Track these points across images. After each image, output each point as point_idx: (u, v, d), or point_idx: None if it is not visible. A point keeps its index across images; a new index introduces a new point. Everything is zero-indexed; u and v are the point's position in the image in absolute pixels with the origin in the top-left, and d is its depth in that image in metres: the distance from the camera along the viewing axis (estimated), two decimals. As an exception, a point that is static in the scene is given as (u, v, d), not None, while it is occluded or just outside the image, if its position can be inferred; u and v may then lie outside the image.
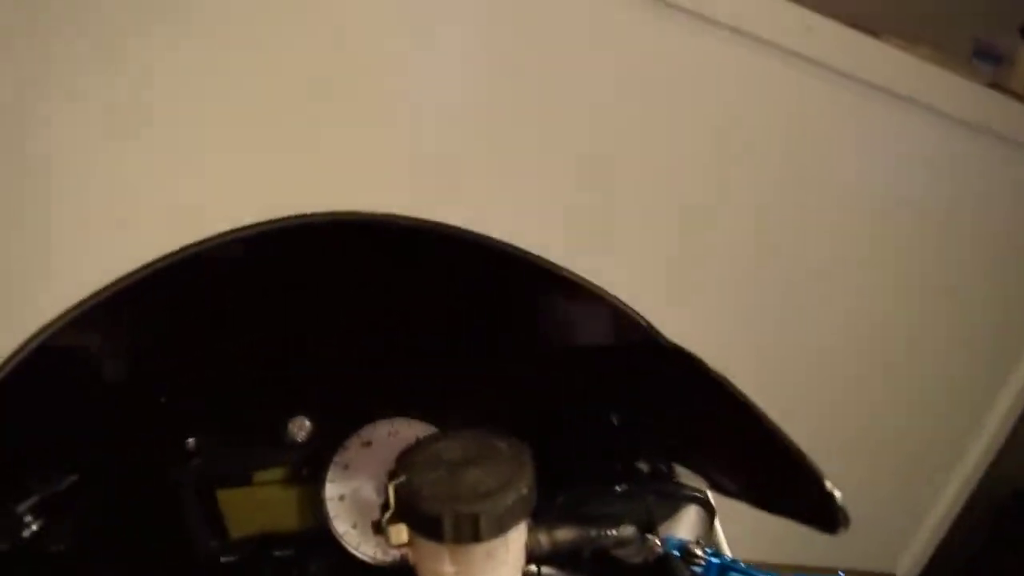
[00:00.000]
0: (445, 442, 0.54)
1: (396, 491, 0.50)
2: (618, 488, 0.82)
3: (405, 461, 0.53)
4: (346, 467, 0.73)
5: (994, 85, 2.02)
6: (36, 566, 0.73)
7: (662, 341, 0.51)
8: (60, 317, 0.48)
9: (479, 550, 0.50)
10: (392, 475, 0.51)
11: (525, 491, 0.49)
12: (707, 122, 1.90)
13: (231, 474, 0.73)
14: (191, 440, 0.73)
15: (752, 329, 2.22)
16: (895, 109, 1.96)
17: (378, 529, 0.53)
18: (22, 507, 0.55)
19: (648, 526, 0.85)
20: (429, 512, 0.48)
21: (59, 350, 0.52)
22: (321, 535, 0.73)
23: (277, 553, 0.73)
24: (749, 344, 2.21)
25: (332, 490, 0.73)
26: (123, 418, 0.66)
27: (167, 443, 0.72)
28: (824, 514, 0.49)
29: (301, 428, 0.73)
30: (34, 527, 0.57)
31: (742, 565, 0.75)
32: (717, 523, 0.93)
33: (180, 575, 0.79)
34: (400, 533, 0.52)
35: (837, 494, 0.48)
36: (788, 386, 2.25)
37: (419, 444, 0.54)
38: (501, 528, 0.49)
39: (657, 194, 1.94)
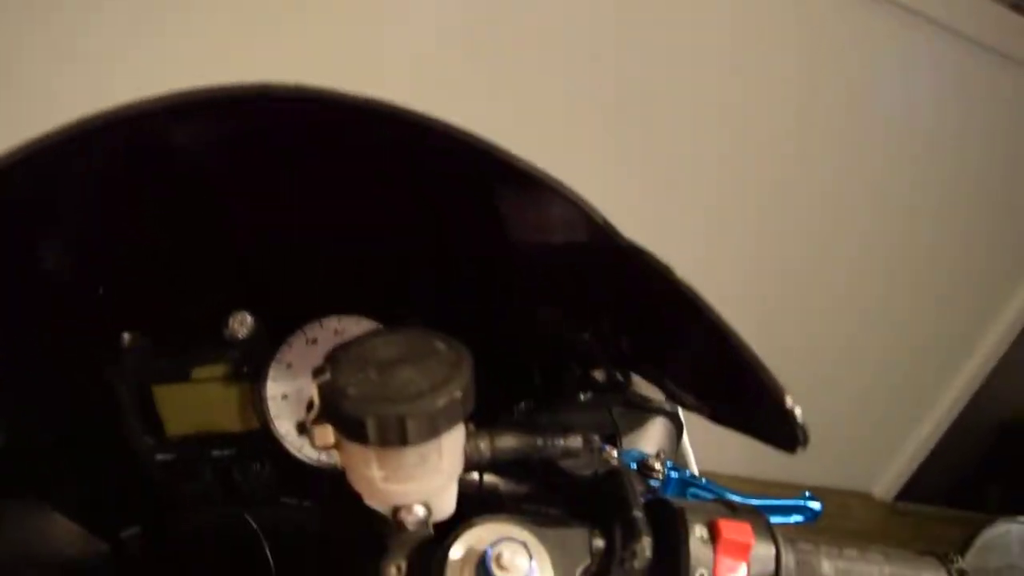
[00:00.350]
0: (379, 339, 0.50)
1: (320, 389, 0.46)
2: (582, 396, 0.79)
3: (334, 357, 0.48)
4: (289, 366, 0.70)
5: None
6: None
7: (620, 240, 0.46)
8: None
9: (409, 454, 0.46)
10: (317, 372, 0.47)
11: (459, 394, 0.45)
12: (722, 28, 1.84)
13: (167, 370, 0.69)
14: (126, 335, 0.69)
15: (745, 242, 2.18)
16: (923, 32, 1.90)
17: (303, 430, 0.49)
18: None
19: (611, 438, 0.82)
20: (353, 413, 0.44)
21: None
22: (262, 435, 0.70)
23: (216, 453, 0.70)
24: (737, 257, 2.18)
25: (274, 389, 0.70)
26: (55, 308, 0.61)
27: (101, 337, 0.68)
28: (783, 432, 0.46)
29: (242, 324, 0.69)
30: None
31: (703, 481, 0.72)
32: (685, 438, 0.90)
33: (116, 472, 0.77)
34: (326, 434, 0.48)
35: (797, 411, 0.44)
36: (775, 297, 2.22)
37: (352, 341, 0.50)
38: (431, 432, 0.45)
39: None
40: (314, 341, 0.70)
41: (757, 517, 0.55)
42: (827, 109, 2.02)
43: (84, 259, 0.60)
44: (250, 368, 0.69)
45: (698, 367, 0.51)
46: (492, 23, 1.72)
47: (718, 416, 0.50)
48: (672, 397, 0.53)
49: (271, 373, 0.69)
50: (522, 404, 0.78)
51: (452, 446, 0.49)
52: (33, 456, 0.76)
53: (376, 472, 0.47)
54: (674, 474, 0.70)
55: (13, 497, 0.74)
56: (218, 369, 0.70)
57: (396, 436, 0.44)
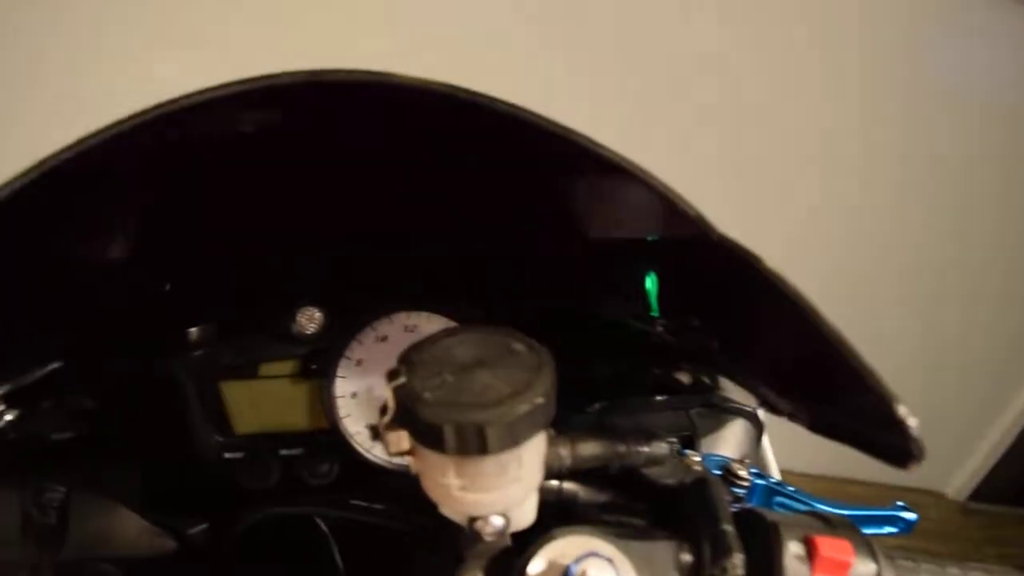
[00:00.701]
0: (456, 339, 0.47)
1: (395, 393, 0.44)
2: (659, 398, 0.75)
3: (408, 359, 0.46)
4: (359, 363, 0.68)
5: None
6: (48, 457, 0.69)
7: (713, 234, 0.43)
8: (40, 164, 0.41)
9: (488, 463, 0.44)
10: (392, 375, 0.45)
11: (541, 400, 0.42)
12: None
13: (235, 366, 0.68)
14: (193, 330, 0.68)
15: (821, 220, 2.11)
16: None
17: (377, 434, 0.46)
18: None
19: (689, 440, 0.79)
20: (430, 420, 0.41)
21: (47, 211, 0.46)
22: (331, 435, 0.69)
23: (284, 452, 0.69)
24: (813, 239, 2.11)
25: (343, 387, 0.68)
26: (120, 301, 0.60)
27: (168, 333, 0.67)
28: (893, 445, 0.42)
29: (311, 319, 0.67)
30: (8, 416, 0.52)
31: (790, 488, 0.68)
32: (766, 440, 0.86)
33: (184, 470, 0.76)
34: (400, 440, 0.46)
35: (911, 422, 0.40)
36: (848, 295, 2.15)
37: (426, 341, 0.47)
38: (512, 441, 0.42)
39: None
40: (384, 338, 0.68)
41: (855, 533, 0.51)
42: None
43: (151, 252, 0.59)
44: (319, 365, 0.68)
45: (796, 371, 0.47)
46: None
47: (817, 425, 0.46)
48: (766, 403, 0.49)
49: (340, 371, 0.67)
50: (596, 405, 0.76)
51: (533, 454, 0.46)
52: (103, 451, 0.76)
53: (453, 481, 0.45)
54: (760, 481, 0.67)
55: (82, 492, 0.73)
56: (286, 366, 0.68)
57: (475, 445, 0.41)
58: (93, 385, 0.61)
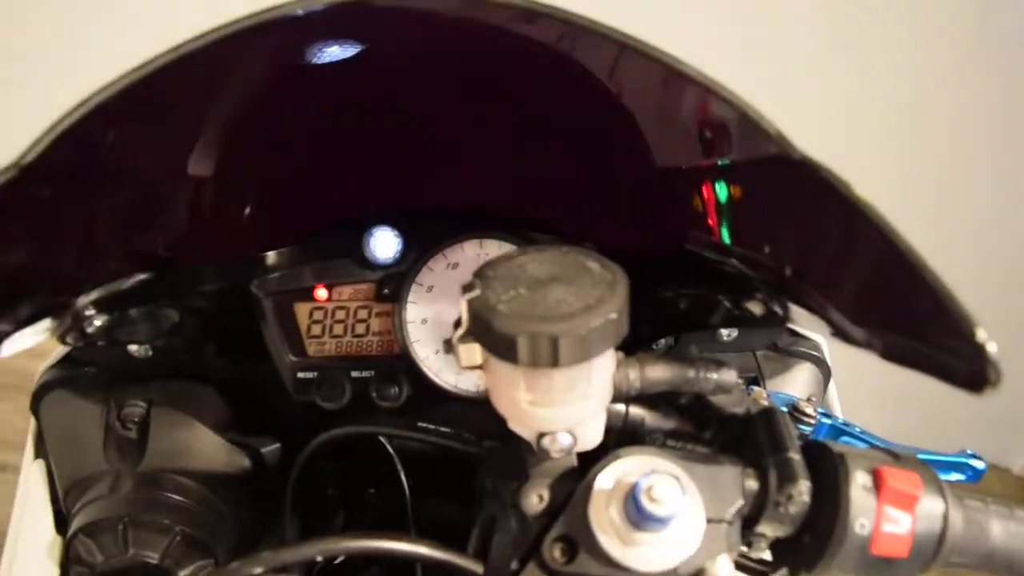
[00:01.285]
0: (530, 257, 0.48)
1: (469, 305, 0.44)
2: (725, 335, 0.75)
3: (483, 274, 0.46)
4: (430, 289, 0.69)
5: None
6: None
7: (794, 153, 0.43)
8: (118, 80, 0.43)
9: (558, 377, 0.44)
10: (467, 288, 0.45)
11: (614, 315, 0.42)
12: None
13: (310, 289, 0.69)
14: (271, 253, 0.69)
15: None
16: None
17: (449, 348, 0.47)
18: (83, 300, 0.52)
19: (754, 383, 0.78)
20: (503, 331, 0.42)
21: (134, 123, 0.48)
22: (401, 359, 0.70)
23: (356, 374, 0.70)
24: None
25: (413, 312, 0.69)
26: (205, 222, 0.62)
27: (247, 255, 0.69)
28: (970, 370, 0.41)
29: (385, 243, 0.68)
30: (98, 322, 0.54)
31: (857, 429, 0.68)
32: (832, 387, 0.85)
33: (260, 391, 0.78)
34: (472, 353, 0.47)
35: (991, 347, 0.39)
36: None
37: (501, 258, 0.48)
38: (583, 354, 0.42)
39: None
40: (455, 265, 0.69)
41: (924, 468, 0.51)
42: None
43: (234, 168, 0.60)
44: (391, 290, 0.69)
45: (872, 296, 0.46)
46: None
47: (890, 352, 0.46)
48: (839, 332, 0.48)
49: (411, 296, 0.69)
50: (662, 341, 0.76)
51: (602, 372, 0.47)
52: (181, 370, 0.78)
53: (523, 395, 0.45)
54: (826, 420, 0.66)
55: (162, 408, 0.76)
56: (359, 290, 0.69)
57: (547, 357, 0.42)
58: (180, 299, 0.63)
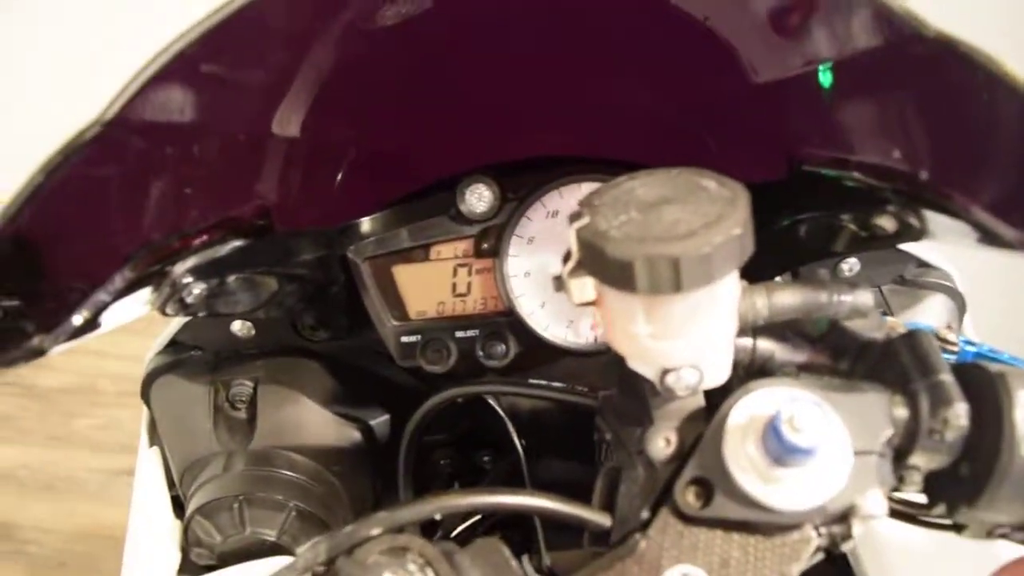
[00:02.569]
0: (638, 181, 0.44)
1: (579, 235, 0.41)
2: (846, 269, 0.70)
3: (590, 202, 0.43)
4: (530, 240, 0.66)
5: None
6: None
7: (924, 30, 0.38)
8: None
9: (680, 305, 0.41)
10: (574, 217, 0.42)
11: (738, 231, 0.39)
12: None
13: (407, 250, 0.67)
14: (366, 219, 0.68)
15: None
16: None
17: (560, 284, 0.44)
18: (179, 269, 0.51)
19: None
20: (618, 256, 0.39)
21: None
22: (506, 316, 0.67)
23: (460, 334, 0.68)
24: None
25: (515, 266, 0.66)
26: (295, 180, 0.60)
27: (341, 221, 0.67)
28: None
29: (480, 197, 0.65)
30: (196, 290, 0.53)
31: (1006, 356, 0.62)
32: (967, 321, 0.79)
33: (365, 363, 0.77)
34: (584, 287, 0.43)
35: None
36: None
37: (607, 185, 0.45)
38: (707, 276, 0.39)
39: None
40: (555, 213, 0.66)
41: (1094, 384, 0.46)
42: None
43: (319, 135, 0.58)
44: (490, 245, 0.66)
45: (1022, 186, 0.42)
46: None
47: None
48: (986, 236, 0.43)
49: (512, 249, 0.66)
50: (777, 279, 0.71)
51: (727, 296, 0.43)
52: (284, 346, 0.78)
53: (642, 327, 0.42)
54: (970, 348, 0.61)
55: (269, 385, 0.76)
56: (458, 247, 0.67)
57: (667, 281, 0.38)
58: (277, 267, 0.61)
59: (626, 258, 0.38)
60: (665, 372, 0.45)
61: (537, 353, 0.68)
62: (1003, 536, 0.49)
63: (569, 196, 0.65)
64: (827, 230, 0.59)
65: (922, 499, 0.50)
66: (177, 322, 0.77)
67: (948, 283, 0.74)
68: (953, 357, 0.60)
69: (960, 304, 0.75)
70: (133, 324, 0.52)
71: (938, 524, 0.54)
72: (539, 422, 0.73)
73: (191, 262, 0.52)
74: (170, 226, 0.49)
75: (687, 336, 0.42)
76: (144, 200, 0.47)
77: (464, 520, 0.81)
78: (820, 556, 0.45)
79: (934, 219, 0.48)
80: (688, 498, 0.44)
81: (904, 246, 0.73)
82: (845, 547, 0.44)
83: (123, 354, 2.20)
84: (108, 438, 2.24)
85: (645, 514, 0.45)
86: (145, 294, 0.50)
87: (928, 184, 0.45)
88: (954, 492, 0.47)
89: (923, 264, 0.75)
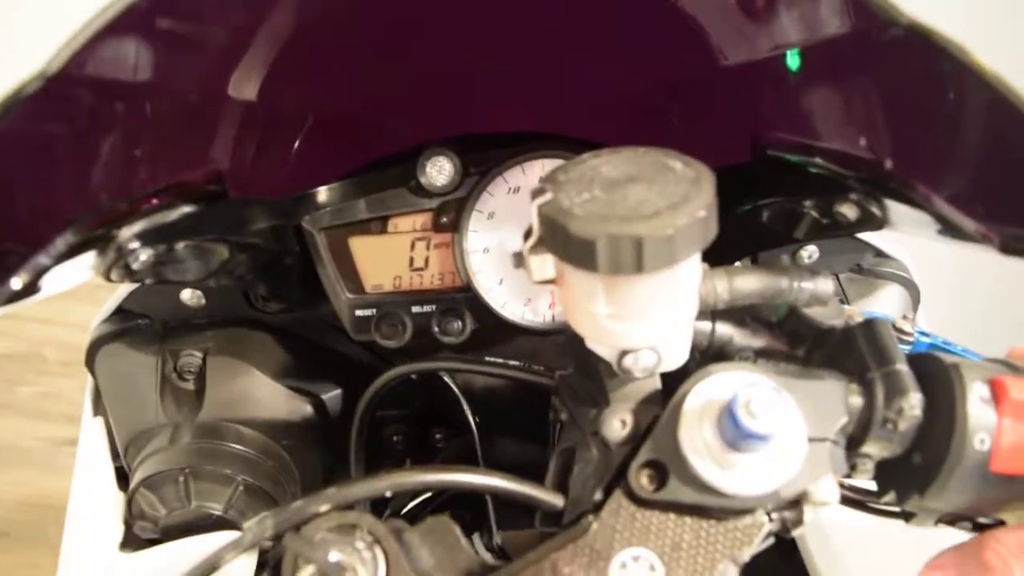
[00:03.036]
0: (603, 159, 0.43)
1: (541, 212, 0.40)
2: (805, 256, 0.70)
3: (553, 178, 0.42)
4: (491, 216, 0.65)
5: None
6: None
7: (899, 17, 0.38)
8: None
9: (641, 286, 0.40)
10: (536, 193, 0.41)
11: (703, 212, 0.38)
12: None
13: (364, 222, 0.66)
14: (323, 188, 0.66)
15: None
16: None
17: (519, 261, 0.43)
18: (125, 233, 0.49)
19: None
20: (580, 234, 0.38)
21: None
22: (464, 292, 0.66)
23: (416, 309, 0.67)
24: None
25: (475, 242, 0.65)
26: (249, 146, 0.58)
27: (296, 190, 0.66)
28: None
29: (441, 170, 0.64)
30: (143, 256, 0.51)
31: (959, 348, 0.62)
32: (920, 312, 0.80)
33: (319, 331, 0.75)
34: (544, 265, 0.43)
35: None
36: None
37: (571, 161, 0.44)
38: (669, 258, 0.38)
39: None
40: (517, 189, 0.65)
41: (1047, 379, 0.46)
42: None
43: (276, 99, 0.57)
44: (449, 219, 0.65)
45: (989, 180, 0.41)
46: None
47: (1012, 244, 0.41)
48: (946, 227, 0.44)
49: (472, 225, 0.65)
50: (736, 264, 0.71)
51: (689, 279, 0.42)
52: (235, 317, 0.76)
53: (602, 308, 0.41)
54: (925, 339, 0.61)
55: (219, 357, 0.74)
56: (416, 220, 0.66)
57: (630, 261, 0.38)
58: (229, 235, 0.60)
59: (588, 237, 0.38)
60: (623, 353, 0.44)
61: (494, 331, 0.67)
62: (950, 524, 0.49)
63: (531, 172, 0.64)
64: (789, 216, 0.59)
65: (871, 486, 0.51)
66: (124, 289, 0.74)
67: (904, 274, 0.75)
68: (908, 347, 0.60)
69: (915, 295, 0.76)
70: (79, 291, 0.50)
71: (886, 511, 0.54)
72: (494, 401, 0.72)
73: (138, 227, 0.50)
74: (117, 189, 0.47)
75: (647, 318, 0.42)
76: (90, 160, 0.45)
77: (414, 498, 0.81)
78: (771, 541, 0.45)
79: (896, 208, 0.48)
80: (642, 481, 0.43)
81: (862, 235, 0.73)
82: (795, 532, 0.44)
83: (69, 321, 2.15)
84: (53, 407, 2.20)
85: (598, 496, 0.44)
86: (89, 259, 0.49)
87: (891, 173, 0.44)
88: (905, 481, 0.47)
89: (880, 254, 0.75)
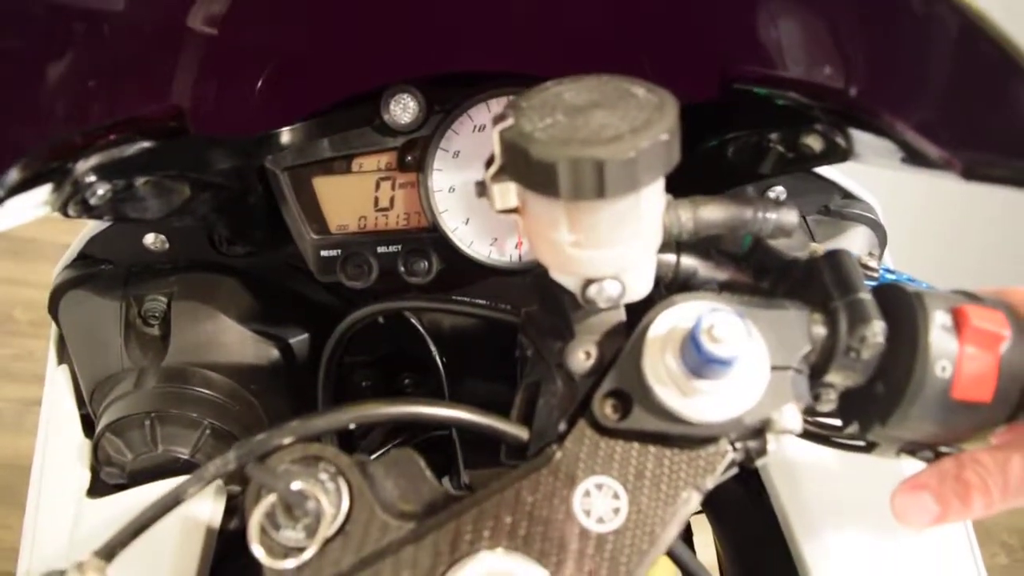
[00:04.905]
0: (566, 86, 0.43)
1: (502, 137, 0.40)
2: (772, 196, 0.70)
3: (516, 104, 0.42)
4: (456, 155, 0.64)
5: None
6: None
7: None
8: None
9: (604, 211, 0.40)
10: (498, 119, 0.41)
11: (665, 137, 0.37)
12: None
13: (328, 161, 0.65)
14: (286, 129, 0.65)
15: None
16: None
17: (482, 190, 0.43)
18: (82, 166, 0.48)
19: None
20: (542, 158, 0.37)
21: None
22: (429, 231, 0.66)
23: (381, 249, 0.66)
24: None
25: (440, 180, 0.64)
26: (211, 82, 0.57)
27: (259, 130, 0.64)
28: None
29: (405, 108, 0.63)
30: (100, 191, 0.50)
31: (925, 284, 0.63)
32: (888, 255, 0.80)
33: (284, 274, 0.75)
34: (507, 193, 0.42)
35: None
36: None
37: (534, 88, 0.43)
38: (631, 182, 0.38)
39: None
40: (482, 128, 0.64)
41: (1007, 307, 0.47)
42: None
43: (238, 35, 0.55)
44: (414, 157, 0.64)
45: (953, 106, 0.41)
46: None
47: (972, 170, 0.41)
48: (910, 155, 0.43)
49: (437, 163, 0.64)
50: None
51: (652, 206, 0.42)
52: (199, 262, 0.75)
53: (565, 235, 0.41)
54: (890, 276, 0.61)
55: (184, 301, 0.73)
56: (381, 159, 0.65)
57: (592, 185, 0.37)
58: (189, 171, 0.58)
59: (549, 160, 0.37)
60: (587, 283, 0.44)
61: (460, 271, 0.66)
62: (910, 454, 0.50)
63: (497, 110, 0.63)
64: (754, 150, 0.58)
65: (834, 422, 0.51)
66: (86, 233, 0.73)
67: (871, 215, 0.75)
68: (873, 284, 0.61)
69: (882, 236, 0.76)
70: (49, 251, 0.50)
71: (849, 445, 0.54)
72: (461, 341, 0.72)
73: (95, 160, 0.49)
74: (72, 119, 0.46)
75: (610, 245, 0.42)
76: (44, 87, 0.44)
77: (383, 443, 0.81)
78: (734, 471, 0.45)
79: (861, 138, 0.48)
80: (606, 410, 0.43)
81: (830, 176, 0.73)
82: (758, 462, 0.45)
83: (39, 282, 2.12)
84: (22, 368, 2.18)
85: (562, 427, 0.44)
86: (44, 193, 0.48)
87: (857, 101, 0.44)
88: (867, 410, 0.47)
89: (848, 195, 0.75)
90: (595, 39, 0.62)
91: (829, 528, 0.62)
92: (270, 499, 0.42)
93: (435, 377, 0.72)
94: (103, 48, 0.46)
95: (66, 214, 0.51)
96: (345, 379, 0.80)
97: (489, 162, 0.42)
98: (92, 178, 0.49)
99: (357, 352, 0.79)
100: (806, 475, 0.63)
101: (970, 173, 0.41)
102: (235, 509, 0.67)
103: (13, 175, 0.43)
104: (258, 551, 0.41)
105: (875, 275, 0.60)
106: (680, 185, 0.40)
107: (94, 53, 0.46)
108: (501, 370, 0.68)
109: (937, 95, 0.42)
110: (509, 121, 0.40)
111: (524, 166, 0.39)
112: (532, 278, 0.54)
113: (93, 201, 0.51)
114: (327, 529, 0.41)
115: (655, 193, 0.42)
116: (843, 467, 0.63)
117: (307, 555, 0.41)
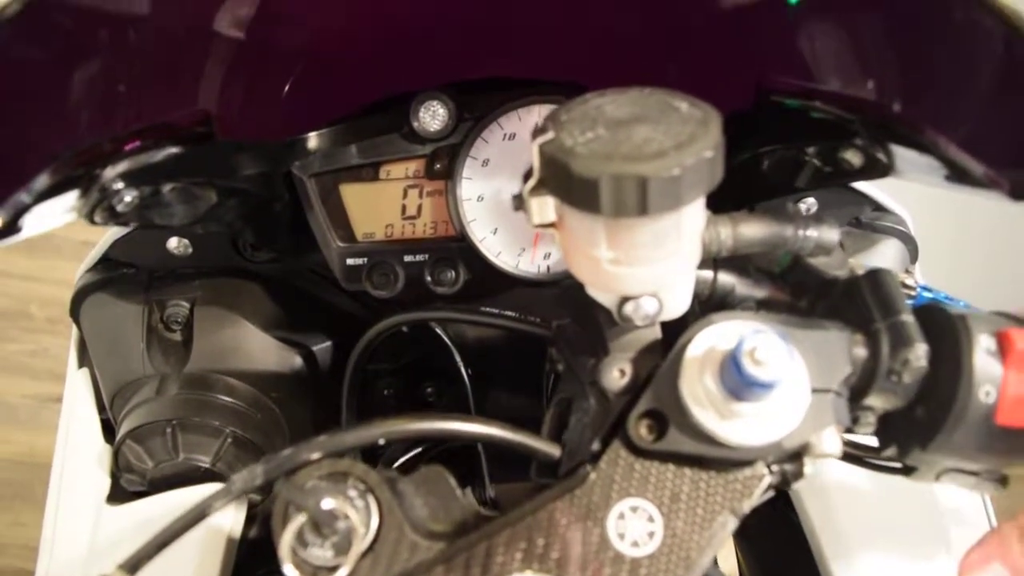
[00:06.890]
0: (608, 98, 0.42)
1: (542, 151, 0.39)
2: (803, 209, 0.69)
3: (555, 117, 0.41)
4: (485, 163, 0.63)
5: None
6: None
7: None
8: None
9: (645, 229, 0.39)
10: (538, 132, 0.40)
11: (709, 154, 0.37)
12: None
13: (356, 168, 0.64)
14: (313, 134, 0.64)
15: None
16: None
17: (519, 204, 0.42)
18: (109, 173, 0.47)
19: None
20: (582, 174, 0.36)
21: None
22: (457, 241, 0.65)
23: (408, 258, 0.66)
24: None
25: (469, 189, 0.64)
26: (238, 88, 0.57)
27: (286, 135, 0.64)
28: None
29: (434, 115, 0.62)
30: (127, 198, 0.50)
31: (962, 303, 0.61)
32: (917, 268, 0.79)
33: (309, 281, 0.74)
34: (545, 207, 0.41)
35: None
36: None
37: (574, 101, 0.42)
38: (675, 200, 0.37)
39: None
40: (512, 136, 0.63)
41: (1054, 332, 0.45)
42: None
43: (265, 38, 0.55)
44: (443, 165, 0.63)
45: (1000, 123, 0.40)
46: None
47: (1019, 189, 0.40)
48: (954, 173, 0.42)
49: (465, 171, 0.63)
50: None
51: (693, 223, 0.41)
52: (223, 267, 0.74)
53: (604, 252, 0.40)
54: (927, 294, 0.60)
55: (207, 307, 0.73)
56: (409, 167, 0.64)
57: (634, 202, 0.36)
58: (216, 178, 0.58)
59: (591, 176, 0.36)
60: (624, 300, 0.43)
61: (487, 281, 0.65)
62: (950, 479, 0.49)
63: (528, 119, 0.63)
64: (791, 164, 0.57)
65: (872, 442, 0.50)
66: (109, 236, 0.73)
67: (902, 228, 0.74)
68: (911, 301, 0.59)
69: (913, 249, 0.74)
70: (66, 247, 0.49)
71: (886, 467, 0.53)
72: (487, 353, 0.71)
73: (123, 166, 0.48)
74: (100, 126, 0.46)
75: (649, 263, 0.41)
76: (72, 94, 0.43)
77: (406, 452, 0.80)
78: (770, 494, 0.44)
79: (902, 154, 0.47)
80: (641, 431, 0.42)
81: (861, 188, 0.72)
82: (795, 485, 0.44)
83: (56, 278, 2.13)
84: (39, 364, 2.18)
85: (596, 446, 0.44)
86: (71, 199, 0.47)
87: (899, 116, 0.43)
88: (907, 434, 0.46)
89: (879, 207, 0.74)
90: (627, 47, 0.61)
91: (859, 549, 0.61)
92: (300, 518, 0.41)
93: (459, 387, 0.71)
94: (130, 54, 0.46)
95: (92, 221, 0.50)
96: (367, 387, 0.79)
97: (527, 175, 0.41)
98: (119, 185, 0.49)
99: (381, 360, 0.78)
100: (836, 494, 0.62)
101: (1017, 193, 0.39)
102: (255, 517, 0.66)
103: (41, 181, 0.42)
104: (292, 573, 0.40)
105: (912, 293, 0.59)
106: (712, 197, 0.39)
107: (121, 59, 0.45)
108: (525, 381, 0.67)
109: (982, 110, 0.40)
110: (549, 135, 0.39)
111: (565, 181, 0.38)
112: (561, 291, 0.53)
113: (120, 208, 0.50)
114: (359, 547, 0.41)
115: (697, 210, 0.41)
116: (874, 487, 0.62)
117: (340, 575, 0.40)
